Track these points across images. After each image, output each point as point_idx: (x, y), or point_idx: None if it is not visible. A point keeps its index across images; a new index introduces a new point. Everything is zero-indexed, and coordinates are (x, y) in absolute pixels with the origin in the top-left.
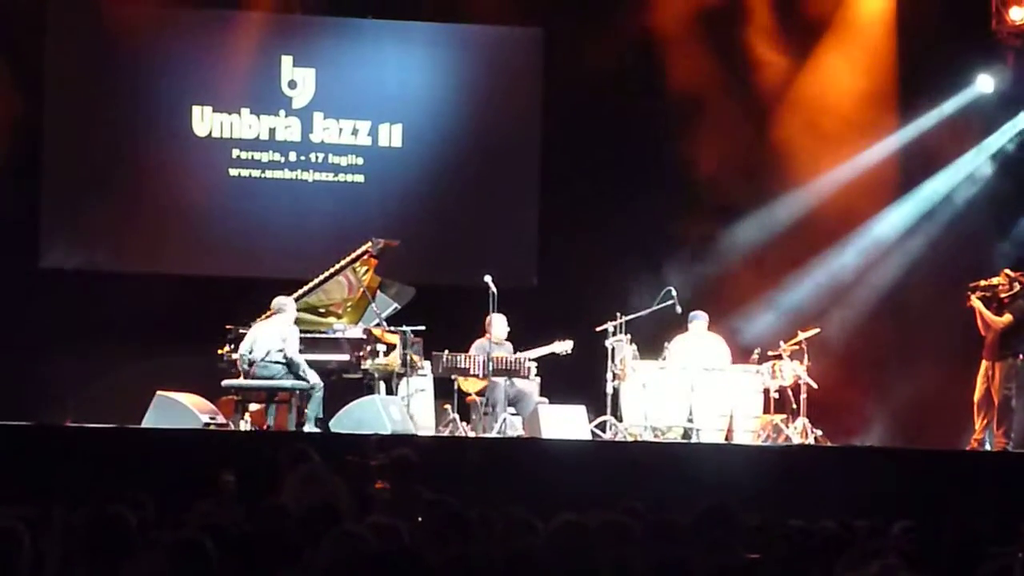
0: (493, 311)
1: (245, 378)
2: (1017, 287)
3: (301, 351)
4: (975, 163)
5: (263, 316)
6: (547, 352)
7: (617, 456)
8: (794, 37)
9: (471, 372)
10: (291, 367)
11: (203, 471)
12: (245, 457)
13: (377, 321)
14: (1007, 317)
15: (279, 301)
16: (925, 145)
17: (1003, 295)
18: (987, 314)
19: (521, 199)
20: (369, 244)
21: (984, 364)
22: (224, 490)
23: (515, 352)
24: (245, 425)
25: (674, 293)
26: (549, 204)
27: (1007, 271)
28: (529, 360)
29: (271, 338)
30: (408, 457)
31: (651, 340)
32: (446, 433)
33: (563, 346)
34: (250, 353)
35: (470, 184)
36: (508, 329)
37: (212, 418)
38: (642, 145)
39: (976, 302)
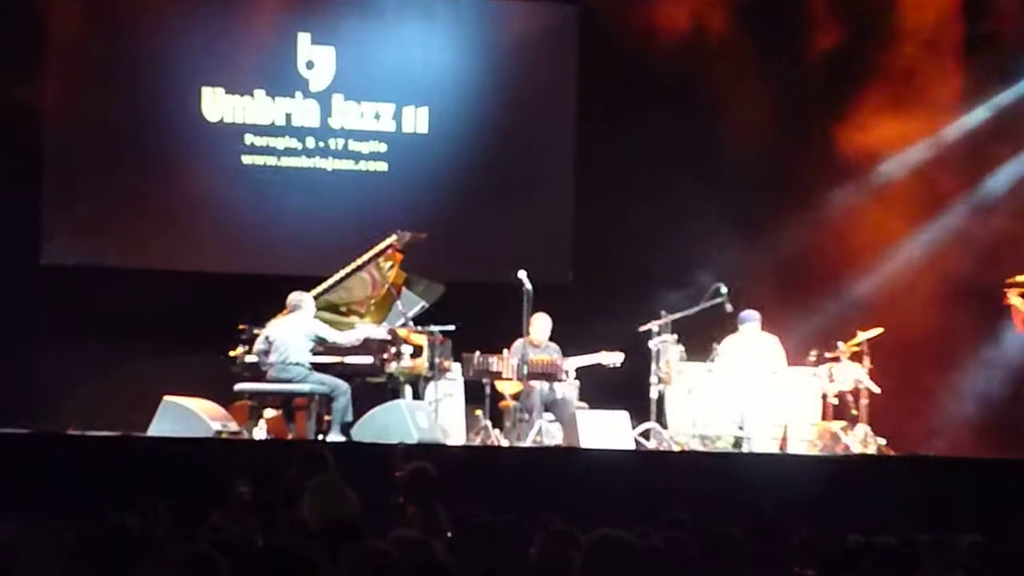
0: (528, 309)
1: (262, 379)
2: None
3: (321, 353)
4: None
5: (279, 315)
6: (593, 362)
7: (662, 467)
8: (850, 15)
9: (504, 375)
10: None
11: (215, 483)
12: (260, 467)
13: (403, 321)
14: None
15: (295, 297)
16: (992, 132)
17: None
18: None
19: (556, 188)
20: (394, 237)
21: None
22: (237, 503)
23: (563, 356)
24: (260, 433)
25: (724, 290)
26: (586, 193)
27: None
28: (569, 365)
29: (291, 338)
30: (426, 471)
31: (699, 341)
32: (477, 441)
33: (612, 358)
34: (266, 355)
35: (501, 172)
36: (550, 330)
37: (224, 425)
38: (685, 129)
39: (1015, 299)
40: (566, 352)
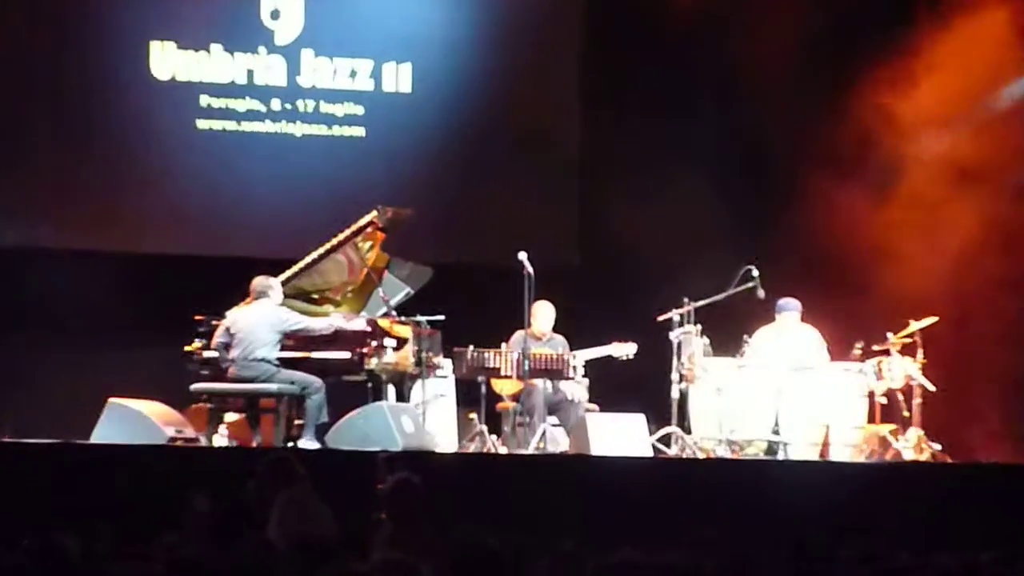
0: (530, 296)
1: (222, 378)
2: None
3: (291, 347)
4: None
5: (241, 303)
6: (603, 354)
7: (685, 477)
8: None
9: (502, 372)
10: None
11: (168, 497)
12: (220, 480)
13: (385, 310)
14: None
15: (261, 283)
16: None
17: None
18: None
19: (560, 158)
20: (374, 214)
21: None
22: (194, 520)
23: (569, 348)
24: (220, 440)
25: (756, 273)
26: (594, 165)
27: None
28: (576, 360)
29: (256, 330)
30: (413, 483)
31: (727, 332)
32: (472, 449)
33: (624, 349)
34: (226, 350)
35: (497, 139)
36: (554, 320)
37: (179, 431)
38: (706, 95)
39: None
40: (573, 346)
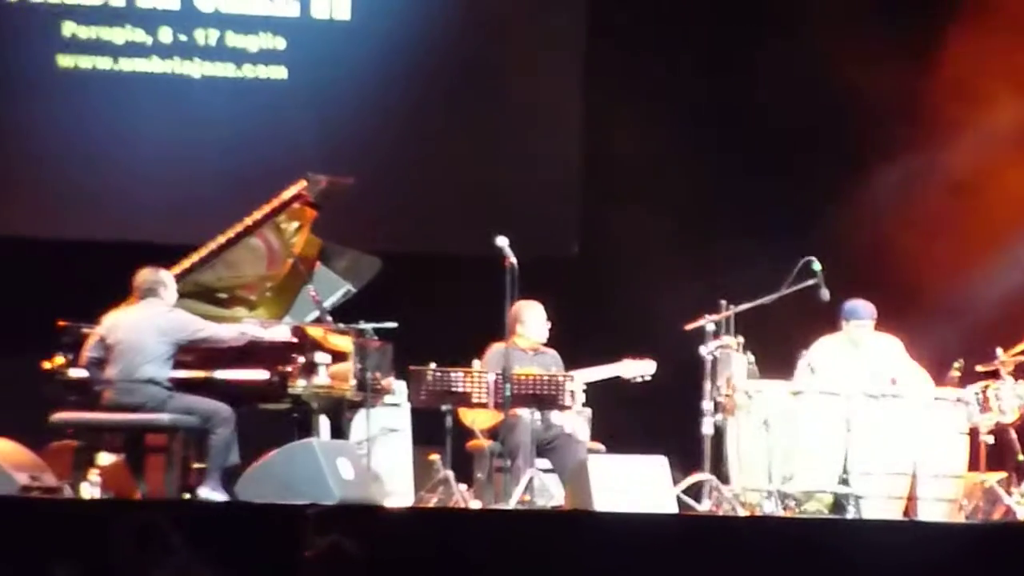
0: (512, 296)
1: (95, 406)
2: None
3: (189, 364)
4: None
5: (121, 304)
6: (611, 375)
7: (721, 541)
8: None
9: (475, 399)
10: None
11: (20, 566)
12: (89, 543)
13: (317, 314)
14: None
15: (148, 277)
16: None
17: None
18: None
19: (555, 117)
20: (302, 184)
21: None
22: None
23: (565, 367)
24: (91, 489)
25: (818, 268)
26: (598, 127)
27: None
28: (575, 382)
29: (142, 341)
30: (349, 549)
31: (778, 346)
32: (433, 502)
33: (639, 367)
34: (100, 368)
35: (466, 87)
36: (546, 329)
37: (34, 477)
38: (739, 49)
39: None
40: (570, 363)
